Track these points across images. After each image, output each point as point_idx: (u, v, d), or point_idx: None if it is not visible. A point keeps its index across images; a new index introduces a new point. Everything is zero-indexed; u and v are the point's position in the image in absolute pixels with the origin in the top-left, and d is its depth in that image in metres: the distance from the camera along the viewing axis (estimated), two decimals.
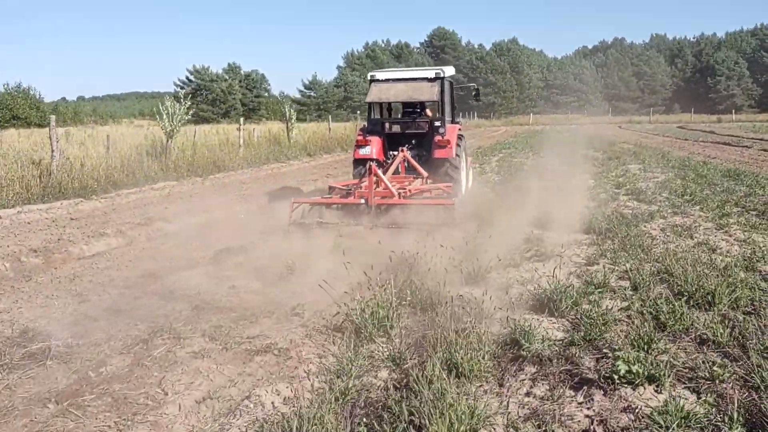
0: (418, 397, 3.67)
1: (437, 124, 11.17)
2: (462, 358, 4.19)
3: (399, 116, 12.36)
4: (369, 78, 11.61)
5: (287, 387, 4.14)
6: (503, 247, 8.20)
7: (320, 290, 6.00)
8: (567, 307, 5.50)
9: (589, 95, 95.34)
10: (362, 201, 9.29)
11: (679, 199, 11.91)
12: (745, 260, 7.12)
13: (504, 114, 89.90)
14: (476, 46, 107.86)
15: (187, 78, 74.62)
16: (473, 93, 14.37)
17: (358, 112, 46.50)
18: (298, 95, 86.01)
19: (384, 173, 9.95)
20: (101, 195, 13.85)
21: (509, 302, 5.90)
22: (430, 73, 11.20)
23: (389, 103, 12.34)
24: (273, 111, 78.24)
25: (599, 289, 6.08)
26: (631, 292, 6.07)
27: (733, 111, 78.53)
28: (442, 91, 11.08)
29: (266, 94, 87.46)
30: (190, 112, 19.03)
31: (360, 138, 11.28)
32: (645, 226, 9.46)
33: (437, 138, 10.97)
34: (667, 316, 5.11)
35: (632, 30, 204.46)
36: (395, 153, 11.12)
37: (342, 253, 6.77)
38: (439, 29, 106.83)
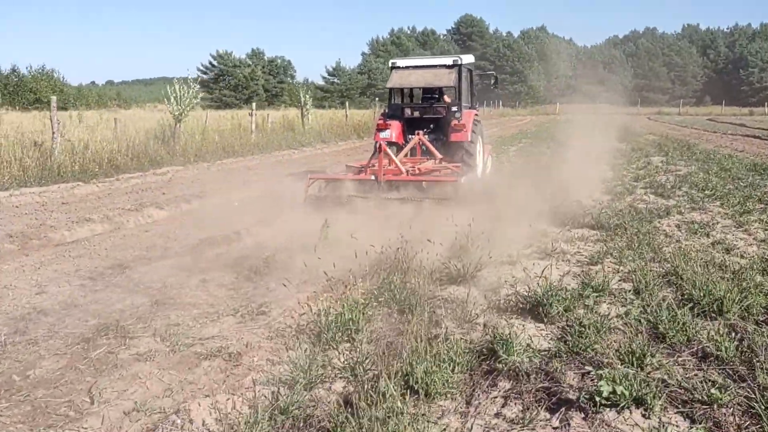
0: (362, 419, 3.18)
1: (454, 109, 11.49)
2: (423, 372, 3.69)
3: (419, 102, 12.65)
4: (390, 65, 12.09)
5: (227, 399, 3.68)
6: (502, 241, 7.68)
7: (296, 286, 5.65)
8: (557, 313, 4.97)
9: (619, 85, 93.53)
10: (372, 177, 9.61)
11: (700, 193, 11.26)
12: (763, 262, 6.52)
13: (530, 103, 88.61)
14: (504, 34, 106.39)
15: (211, 63, 74.44)
16: (492, 81, 14.49)
17: (377, 99, 45.99)
18: (322, 82, 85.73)
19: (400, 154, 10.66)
20: (102, 179, 13.53)
21: (497, 305, 5.39)
22: (449, 61, 11.68)
23: (410, 89, 12.73)
24: (296, 97, 77.87)
25: (597, 293, 5.53)
26: (632, 296, 5.52)
27: (766, 104, 76.35)
28: (459, 78, 11.47)
29: (290, 80, 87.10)
30: (200, 95, 18.61)
31: (381, 122, 11.73)
32: (659, 223, 8.87)
33: (454, 122, 11.28)
34: (667, 326, 4.56)
35: (664, 20, 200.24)
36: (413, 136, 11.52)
37: (317, 248, 6.40)
38: (467, 16, 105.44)
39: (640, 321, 4.85)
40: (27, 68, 59.50)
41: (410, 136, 11.58)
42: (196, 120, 22.07)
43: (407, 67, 11.94)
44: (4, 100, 52.46)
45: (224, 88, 71.94)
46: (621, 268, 6.47)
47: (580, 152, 20.15)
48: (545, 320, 4.94)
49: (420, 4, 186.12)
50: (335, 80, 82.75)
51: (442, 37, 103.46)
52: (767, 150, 20.89)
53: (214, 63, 74.33)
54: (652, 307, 5.06)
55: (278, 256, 7.08)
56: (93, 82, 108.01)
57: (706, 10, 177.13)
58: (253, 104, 23.92)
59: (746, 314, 5.01)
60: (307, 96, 26.30)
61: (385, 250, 6.64)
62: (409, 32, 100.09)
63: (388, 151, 9.93)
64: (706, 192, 11.22)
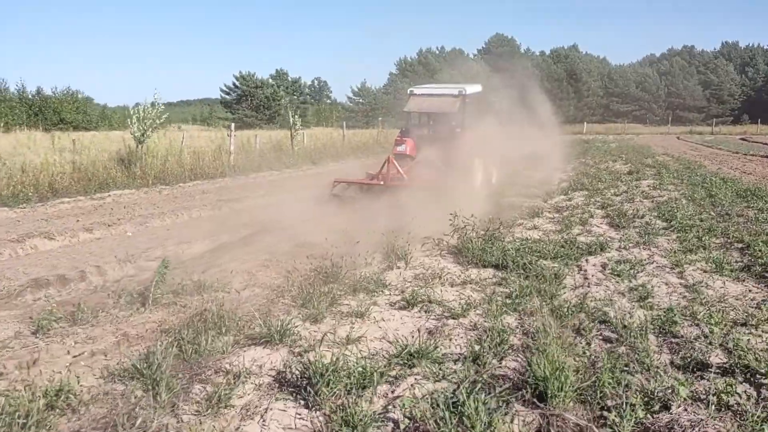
0: None
1: (458, 130, 13.59)
2: None
3: (430, 122, 14.81)
4: (409, 92, 14.85)
5: None
6: (378, 283, 6.57)
7: (69, 347, 4.67)
8: (330, 394, 3.83)
9: (651, 104, 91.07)
10: (381, 182, 12.07)
11: (664, 223, 9.97)
12: (665, 318, 5.25)
13: (560, 122, 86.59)
14: (537, 53, 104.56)
15: (234, 84, 74.49)
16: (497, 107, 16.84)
17: (380, 118, 45.18)
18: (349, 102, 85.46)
19: (410, 166, 12.87)
20: (34, 204, 12.74)
21: (285, 378, 4.26)
22: (455, 91, 14.08)
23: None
24: (324, 117, 77.74)
25: (413, 362, 4.36)
26: (459, 367, 4.33)
27: None
28: (463, 105, 13.82)
29: (327, 101, 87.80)
30: (164, 116, 17.85)
31: (398, 138, 13.98)
32: (585, 261, 7.63)
33: (455, 142, 13.29)
34: (442, 423, 3.38)
35: (703, 38, 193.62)
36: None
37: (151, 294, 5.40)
38: (498, 36, 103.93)
39: (435, 405, 3.68)
40: (52, 89, 60.27)
41: (422, 149, 13.52)
42: (170, 141, 21.36)
43: (422, 95, 14.51)
44: (29, 121, 53.01)
45: (246, 108, 71.80)
46: (485, 323, 5.28)
47: (571, 175, 19.03)
48: (313, 405, 3.80)
49: (450, 23, 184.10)
50: (360, 100, 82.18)
51: (472, 56, 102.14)
52: None
53: (237, 84, 74.38)
54: (465, 386, 3.88)
55: (104, 302, 6.09)
56: (138, 104, 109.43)
57: (745, 27, 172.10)
58: (232, 125, 23.01)
59: (594, 398, 3.82)
60: (296, 116, 25.37)
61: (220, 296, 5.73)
62: (437, 52, 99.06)
63: (395, 163, 12.19)
64: (672, 222, 9.88)
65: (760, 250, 7.58)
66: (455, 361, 4.44)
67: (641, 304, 5.85)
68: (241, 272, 7.15)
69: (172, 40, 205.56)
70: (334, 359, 4.12)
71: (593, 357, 4.51)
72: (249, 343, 4.88)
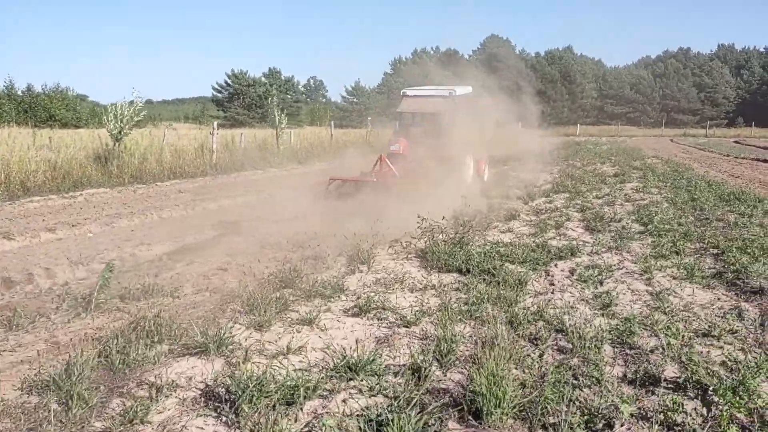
0: None
1: (448, 130, 13.80)
2: None
3: (422, 122, 14.88)
4: (402, 93, 15.37)
5: None
6: (336, 290, 6.33)
7: None
8: (253, 411, 3.59)
9: (646, 106, 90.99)
10: (375, 179, 12.11)
11: (641, 227, 9.76)
12: (624, 328, 5.01)
13: (554, 124, 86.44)
14: (532, 54, 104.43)
15: (226, 82, 74.11)
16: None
17: (369, 118, 44.98)
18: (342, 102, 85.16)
19: (403, 164, 12.92)
20: (2, 202, 12.48)
21: (211, 391, 4.01)
22: (445, 92, 14.68)
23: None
24: (318, 117, 77.46)
25: (351, 374, 4.13)
26: (399, 380, 4.09)
27: None
28: (453, 106, 14.24)
29: (323, 100, 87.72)
30: (142, 113, 17.57)
31: (391, 138, 14.21)
32: (555, 265, 7.40)
33: (446, 141, 13.49)
34: None
35: (699, 40, 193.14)
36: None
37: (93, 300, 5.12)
38: (493, 37, 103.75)
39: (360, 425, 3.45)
40: (42, 86, 59.87)
41: (414, 148, 13.60)
42: (153, 139, 21.07)
43: (414, 96, 14.99)
44: (18, 118, 52.50)
45: (238, 106, 71.46)
46: (436, 332, 5.03)
47: (555, 176, 18.82)
48: (231, 423, 3.56)
49: (445, 24, 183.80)
50: (354, 99, 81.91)
51: (467, 56, 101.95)
52: (765, 176, 19.11)
53: (229, 82, 74.00)
54: (395, 406, 3.64)
55: (46, 306, 5.83)
56: (131, 102, 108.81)
57: (742, 29, 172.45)
58: (215, 123, 22.77)
59: (529, 417, 3.58)
60: (282, 115, 25.06)
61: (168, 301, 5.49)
62: (432, 52, 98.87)
63: (387, 161, 12.58)
64: (649, 227, 9.66)
65: (734, 257, 7.36)
66: (396, 374, 4.20)
67: (603, 312, 5.62)
68: (197, 276, 6.92)
69: (170, 37, 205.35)
70: (262, 372, 3.88)
71: (544, 369, 4.28)
72: (184, 352, 4.62)
